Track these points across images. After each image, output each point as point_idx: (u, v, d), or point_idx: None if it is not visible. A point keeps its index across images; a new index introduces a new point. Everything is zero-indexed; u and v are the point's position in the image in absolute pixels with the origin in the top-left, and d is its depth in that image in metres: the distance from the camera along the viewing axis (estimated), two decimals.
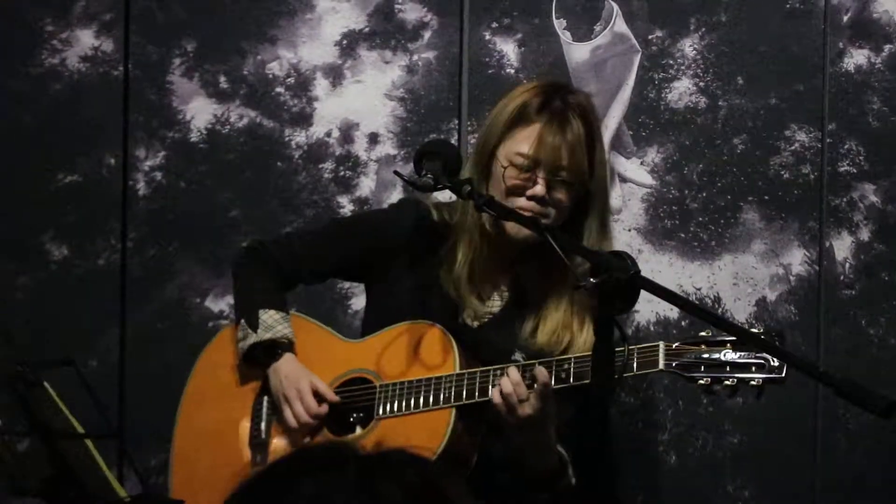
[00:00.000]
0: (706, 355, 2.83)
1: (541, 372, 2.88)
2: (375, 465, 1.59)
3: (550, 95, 3.05)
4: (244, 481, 1.62)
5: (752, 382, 2.80)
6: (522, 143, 3.01)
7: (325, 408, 3.07)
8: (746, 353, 2.81)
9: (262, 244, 3.24)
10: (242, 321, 3.15)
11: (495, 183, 3.02)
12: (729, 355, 2.82)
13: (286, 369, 3.11)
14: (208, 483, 3.14)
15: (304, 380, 3.08)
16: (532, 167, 3.00)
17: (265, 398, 3.16)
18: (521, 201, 3.00)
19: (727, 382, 2.81)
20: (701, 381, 2.82)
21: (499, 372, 2.93)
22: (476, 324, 3.11)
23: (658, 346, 2.86)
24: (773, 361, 2.81)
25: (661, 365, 2.85)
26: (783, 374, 2.81)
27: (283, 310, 3.17)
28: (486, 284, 3.11)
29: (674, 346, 2.86)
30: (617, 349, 2.52)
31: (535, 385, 2.88)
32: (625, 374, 2.84)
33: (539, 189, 2.99)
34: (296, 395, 3.07)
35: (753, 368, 2.81)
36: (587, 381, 2.85)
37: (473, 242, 3.07)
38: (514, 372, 2.91)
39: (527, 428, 2.91)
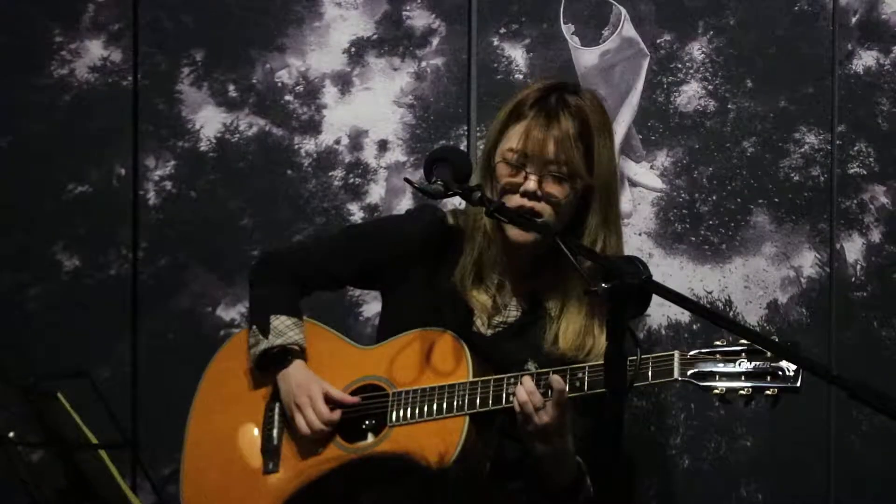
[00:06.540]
0: (721, 364, 2.81)
1: (556, 380, 2.86)
2: (438, 481, 1.58)
3: (548, 93, 3.04)
4: (298, 489, 1.60)
5: (768, 392, 2.78)
6: (513, 138, 3.02)
7: (337, 414, 3.06)
8: (761, 363, 2.79)
9: (278, 252, 3.26)
10: (254, 327, 3.16)
11: (495, 182, 3.03)
12: (744, 365, 2.80)
13: (296, 376, 3.11)
14: (220, 491, 3.14)
15: (316, 386, 3.07)
16: (522, 163, 3.00)
17: (276, 405, 3.16)
18: (516, 199, 3.00)
19: (742, 392, 2.79)
20: (716, 391, 2.81)
21: (513, 380, 2.92)
22: (490, 332, 3.10)
23: (673, 355, 2.84)
24: (788, 371, 2.78)
25: (676, 374, 2.83)
26: (798, 384, 2.78)
27: (296, 316, 3.16)
28: (502, 292, 3.10)
29: (688, 355, 2.84)
30: (630, 357, 2.51)
31: (551, 393, 2.87)
32: (639, 383, 2.82)
33: (531, 185, 2.99)
34: (307, 402, 3.06)
35: (768, 378, 2.78)
36: (602, 390, 2.85)
37: (478, 244, 3.07)
38: (528, 381, 2.89)
39: (544, 437, 2.89)
